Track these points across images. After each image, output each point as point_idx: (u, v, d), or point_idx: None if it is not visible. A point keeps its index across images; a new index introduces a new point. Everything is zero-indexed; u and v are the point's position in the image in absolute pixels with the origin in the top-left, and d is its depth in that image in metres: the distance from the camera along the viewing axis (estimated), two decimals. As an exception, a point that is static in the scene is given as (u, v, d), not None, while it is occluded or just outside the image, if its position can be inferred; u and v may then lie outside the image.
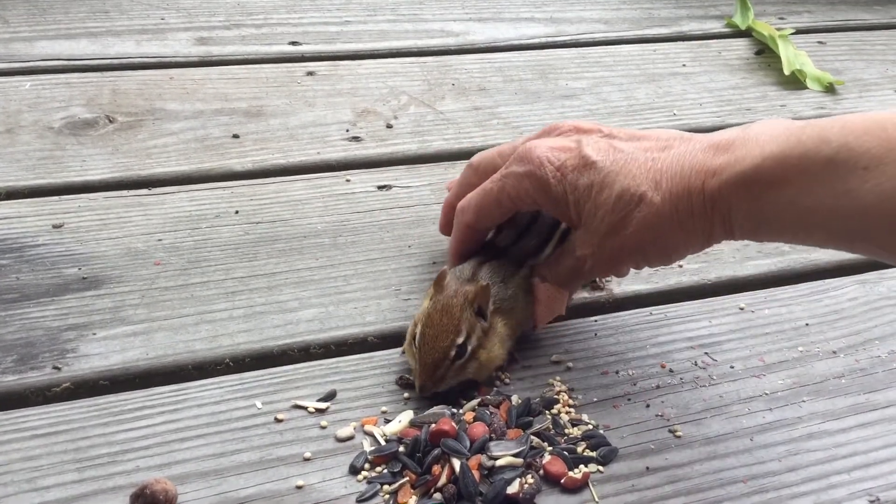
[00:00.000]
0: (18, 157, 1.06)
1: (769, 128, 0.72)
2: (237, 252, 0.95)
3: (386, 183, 1.08)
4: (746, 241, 1.02)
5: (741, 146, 0.72)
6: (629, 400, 0.81)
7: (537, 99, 1.28)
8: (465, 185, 0.89)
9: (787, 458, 0.77)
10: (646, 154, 0.77)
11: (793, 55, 1.40)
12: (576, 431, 0.77)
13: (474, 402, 0.79)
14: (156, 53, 1.29)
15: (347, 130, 1.17)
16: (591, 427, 0.78)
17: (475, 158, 0.90)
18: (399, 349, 0.84)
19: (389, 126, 1.19)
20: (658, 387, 0.83)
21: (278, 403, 0.78)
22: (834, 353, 0.88)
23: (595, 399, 0.81)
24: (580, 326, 0.90)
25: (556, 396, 0.81)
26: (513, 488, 0.71)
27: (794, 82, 1.37)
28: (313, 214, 1.02)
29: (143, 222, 0.98)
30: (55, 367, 0.80)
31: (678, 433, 0.78)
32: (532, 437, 0.76)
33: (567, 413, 0.79)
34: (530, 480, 0.72)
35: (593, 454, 0.75)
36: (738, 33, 1.51)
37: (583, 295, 0.93)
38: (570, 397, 0.81)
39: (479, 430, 0.75)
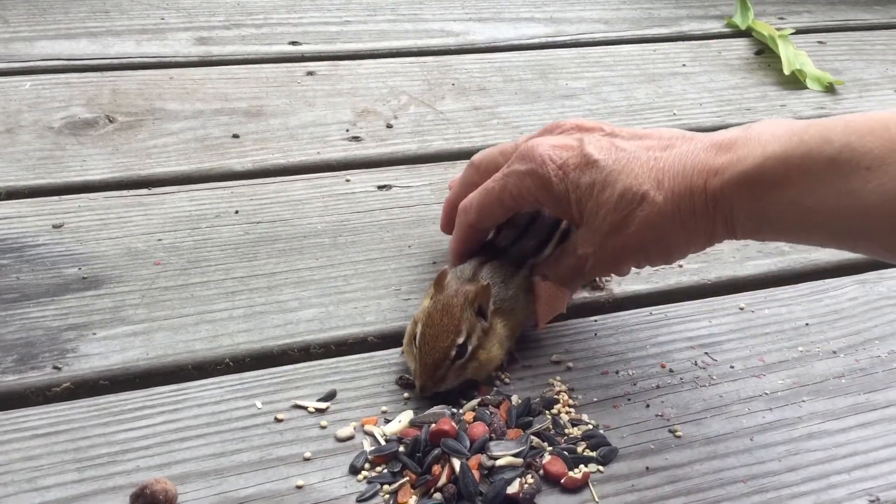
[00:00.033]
0: (18, 157, 1.06)
1: (771, 127, 0.72)
2: (237, 252, 0.95)
3: (386, 183, 1.08)
4: (746, 241, 1.02)
5: (743, 146, 0.72)
6: (629, 400, 0.82)
7: (537, 99, 1.28)
8: (467, 183, 0.89)
9: (787, 458, 0.77)
10: (648, 153, 0.77)
11: (793, 55, 1.40)
12: (576, 431, 0.77)
13: (474, 402, 0.79)
14: (156, 53, 1.29)
15: (347, 130, 1.17)
16: (591, 427, 0.78)
17: (477, 157, 0.90)
18: (399, 349, 0.84)
19: (389, 126, 1.19)
20: (658, 387, 0.83)
21: (278, 403, 0.78)
22: (834, 352, 0.88)
23: (595, 399, 0.81)
24: (580, 326, 0.90)
25: (556, 396, 0.81)
26: (513, 488, 0.71)
27: (794, 82, 1.37)
28: (313, 214, 1.02)
29: (143, 222, 0.98)
30: (55, 367, 0.80)
31: (678, 433, 0.78)
32: (532, 437, 0.76)
33: (567, 413, 0.79)
34: (530, 480, 0.72)
35: (593, 454, 0.75)
36: (738, 33, 1.51)
37: (583, 295, 0.93)
38: (570, 397, 0.81)
39: (479, 429, 0.75)
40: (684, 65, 1.40)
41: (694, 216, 0.74)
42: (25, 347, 0.82)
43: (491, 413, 0.77)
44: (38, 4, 1.37)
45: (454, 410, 0.77)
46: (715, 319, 0.91)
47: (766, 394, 0.83)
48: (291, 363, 0.83)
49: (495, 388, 0.82)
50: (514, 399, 0.80)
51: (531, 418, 0.78)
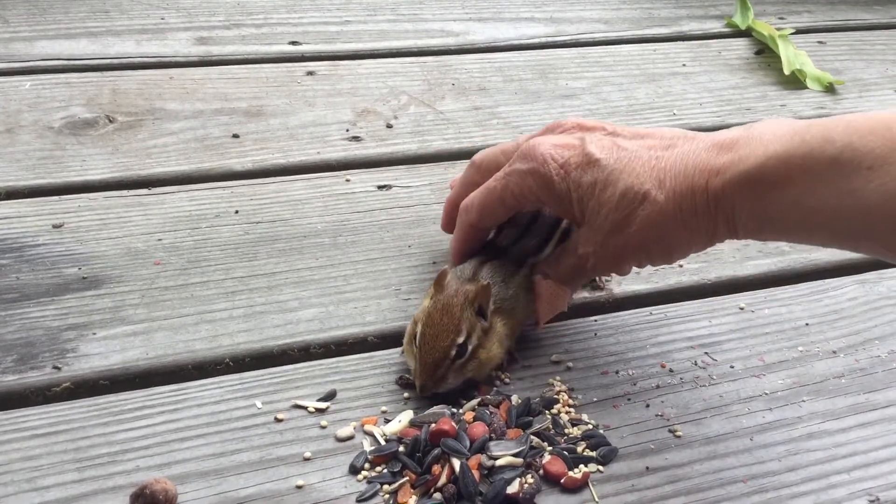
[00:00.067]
0: (18, 156, 1.06)
1: (773, 127, 0.72)
2: (237, 252, 0.95)
3: (386, 183, 1.08)
4: (747, 241, 1.02)
5: (745, 145, 0.72)
6: (629, 400, 0.81)
7: (537, 99, 1.28)
8: (468, 183, 0.89)
9: (786, 458, 0.77)
10: (649, 152, 0.77)
11: (793, 55, 1.40)
12: (576, 431, 0.77)
13: (474, 402, 0.79)
14: (156, 53, 1.29)
15: (347, 130, 1.17)
16: (590, 427, 0.78)
17: (478, 156, 0.90)
18: (399, 349, 0.84)
19: (389, 126, 1.19)
20: (658, 386, 0.83)
21: (278, 403, 0.78)
22: (834, 352, 0.88)
23: (595, 399, 0.81)
24: (580, 326, 0.90)
25: (555, 396, 0.81)
26: (513, 488, 0.71)
27: (794, 82, 1.37)
28: (313, 214, 1.02)
29: (143, 222, 0.98)
30: (55, 367, 0.80)
31: (678, 433, 0.78)
32: (532, 436, 0.76)
33: (567, 413, 0.79)
34: (530, 480, 0.72)
35: (593, 454, 0.75)
36: (738, 33, 1.51)
37: (583, 295, 0.93)
38: (570, 397, 0.81)
39: (479, 429, 0.74)
40: (684, 65, 1.40)
41: (695, 216, 0.74)
42: (25, 347, 0.82)
43: (491, 413, 0.77)
44: (38, 4, 1.37)
45: (454, 410, 0.77)
46: (715, 319, 0.91)
47: (766, 394, 0.83)
48: (291, 363, 0.83)
49: (495, 388, 0.82)
50: (514, 399, 0.80)
51: (531, 418, 0.78)
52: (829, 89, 1.36)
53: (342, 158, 1.12)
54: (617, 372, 0.84)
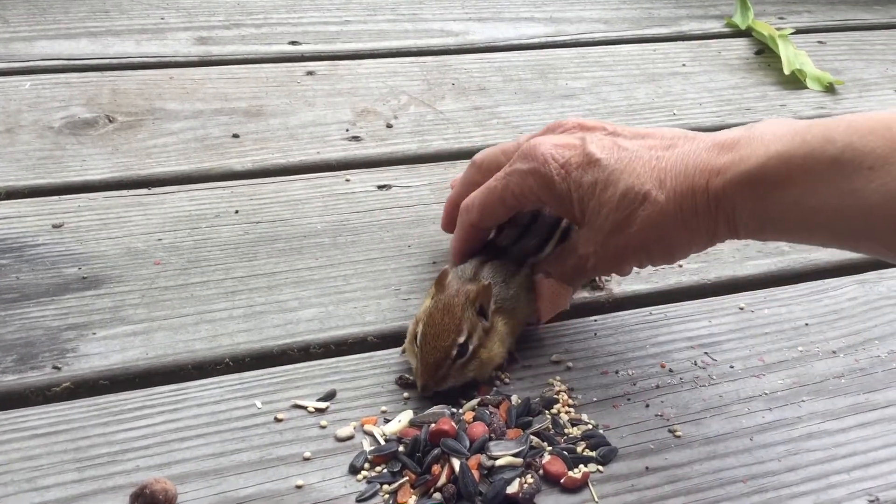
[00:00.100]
0: (18, 156, 1.06)
1: (774, 127, 0.72)
2: (237, 252, 0.95)
3: (386, 183, 1.08)
4: (746, 241, 1.02)
5: (746, 145, 0.72)
6: (629, 400, 0.82)
7: (537, 99, 1.28)
8: (469, 183, 0.89)
9: (786, 458, 0.77)
10: (650, 152, 0.77)
11: (793, 55, 1.40)
12: (575, 431, 0.77)
13: (474, 402, 0.79)
14: (156, 53, 1.29)
15: (347, 130, 1.17)
16: (590, 427, 0.78)
17: (479, 156, 0.90)
18: (399, 349, 0.84)
19: (389, 126, 1.19)
20: (658, 386, 0.83)
21: (278, 403, 0.79)
22: (833, 352, 0.88)
23: (595, 399, 0.81)
24: (580, 326, 0.90)
25: (555, 396, 0.81)
26: (512, 488, 0.71)
27: (794, 82, 1.37)
28: (313, 214, 1.02)
29: (142, 222, 0.98)
30: (55, 367, 0.80)
31: (678, 433, 0.78)
32: (532, 436, 0.76)
33: (567, 413, 0.79)
34: (530, 480, 0.72)
35: (593, 454, 0.75)
36: (737, 33, 1.51)
37: (583, 295, 0.93)
38: (569, 397, 0.81)
39: (479, 429, 0.75)
40: (684, 65, 1.40)
41: (696, 216, 0.74)
42: (25, 347, 0.82)
43: (491, 413, 0.77)
44: (38, 4, 1.37)
45: (454, 410, 0.78)
46: (715, 319, 0.91)
47: (766, 394, 0.83)
48: (291, 363, 0.83)
49: (495, 388, 0.82)
50: (514, 399, 0.80)
51: (531, 418, 0.78)
52: (829, 89, 1.36)
53: (342, 158, 1.12)
54: (617, 372, 0.84)
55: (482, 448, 0.73)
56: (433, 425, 0.74)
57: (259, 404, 0.78)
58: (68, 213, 0.98)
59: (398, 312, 0.89)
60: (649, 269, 0.95)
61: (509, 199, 0.82)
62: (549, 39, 1.44)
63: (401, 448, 0.74)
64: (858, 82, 1.39)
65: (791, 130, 0.70)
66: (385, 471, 0.73)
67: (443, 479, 0.71)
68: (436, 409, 0.77)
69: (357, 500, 0.71)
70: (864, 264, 0.99)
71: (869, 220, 0.65)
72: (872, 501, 0.73)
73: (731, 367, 0.86)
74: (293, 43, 1.36)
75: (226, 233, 0.98)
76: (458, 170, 1.10)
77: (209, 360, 0.83)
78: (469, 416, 0.77)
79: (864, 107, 1.33)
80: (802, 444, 0.78)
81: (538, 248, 0.87)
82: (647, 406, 0.81)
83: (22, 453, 0.72)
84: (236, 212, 1.01)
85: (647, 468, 0.75)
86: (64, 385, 0.79)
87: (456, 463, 0.72)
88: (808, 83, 1.36)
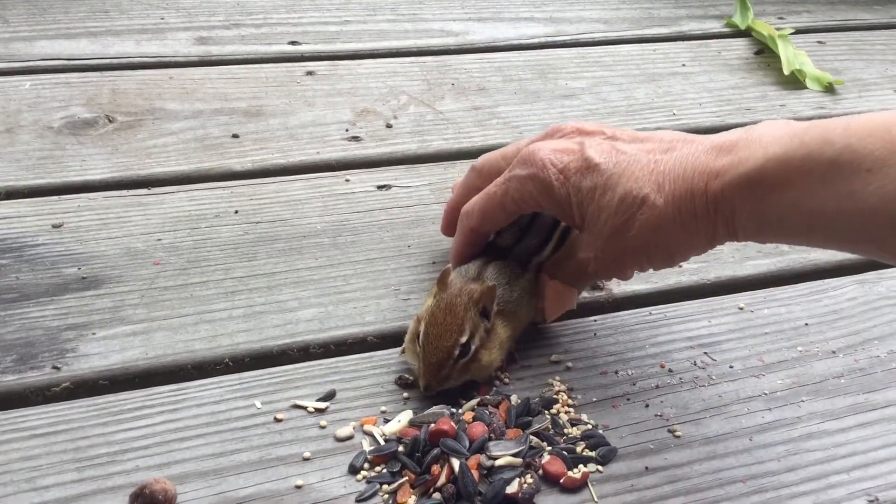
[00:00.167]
0: (18, 156, 1.06)
1: (772, 129, 0.72)
2: (237, 252, 0.95)
3: (385, 183, 1.08)
4: (747, 242, 1.02)
5: (744, 148, 0.72)
6: (628, 400, 0.82)
7: (537, 99, 1.28)
8: (469, 187, 0.89)
9: (786, 458, 0.77)
10: (648, 156, 0.77)
11: (792, 55, 1.40)
12: (575, 431, 0.77)
13: (473, 402, 0.79)
14: (155, 53, 1.29)
15: (347, 130, 1.17)
16: (590, 427, 0.78)
17: (479, 161, 0.91)
18: (398, 349, 0.84)
19: (389, 126, 1.19)
20: (657, 387, 0.83)
21: (278, 403, 0.79)
22: (833, 352, 0.88)
23: (594, 399, 0.81)
24: (580, 326, 0.90)
25: (555, 396, 0.81)
26: (512, 488, 0.71)
27: (794, 82, 1.37)
28: (313, 214, 1.02)
29: (142, 222, 0.98)
30: (55, 367, 0.80)
31: (677, 433, 0.78)
32: (531, 436, 0.76)
33: (566, 413, 0.79)
34: (529, 480, 0.72)
35: (592, 454, 0.75)
36: (737, 33, 1.51)
37: (583, 295, 0.93)
38: (569, 397, 0.81)
39: (479, 429, 0.75)
40: (684, 65, 1.40)
41: (695, 219, 0.74)
42: (25, 347, 0.82)
43: (490, 413, 0.77)
44: (38, 4, 1.37)
45: (453, 410, 0.78)
46: (714, 319, 0.91)
47: (766, 394, 0.83)
48: (291, 363, 0.83)
49: (494, 388, 0.82)
50: (514, 399, 0.80)
51: (530, 418, 0.78)
52: (829, 89, 1.36)
53: (342, 158, 1.12)
54: (616, 372, 0.84)
55: (482, 448, 0.73)
56: (433, 425, 0.74)
57: (259, 404, 0.78)
58: (68, 213, 0.98)
59: (398, 312, 0.89)
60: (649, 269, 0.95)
61: (509, 205, 0.83)
62: (549, 39, 1.44)
63: (400, 448, 0.74)
64: (858, 82, 1.39)
65: (789, 132, 0.70)
66: (385, 471, 0.73)
67: (442, 479, 0.71)
68: (435, 409, 0.77)
69: (357, 500, 0.71)
70: (864, 264, 0.99)
71: (867, 222, 0.65)
72: (872, 501, 0.73)
73: (731, 367, 0.86)
74: (293, 43, 1.36)
75: (225, 233, 0.98)
76: (458, 170, 1.10)
77: (209, 360, 0.83)
78: (468, 416, 0.77)
79: (864, 107, 1.33)
80: (802, 444, 0.78)
81: (539, 248, 0.87)
82: (647, 406, 0.81)
83: (21, 453, 0.72)
84: (236, 212, 1.01)
85: (646, 468, 0.75)
86: (63, 385, 0.79)
87: (455, 463, 0.72)
88: (808, 83, 1.36)
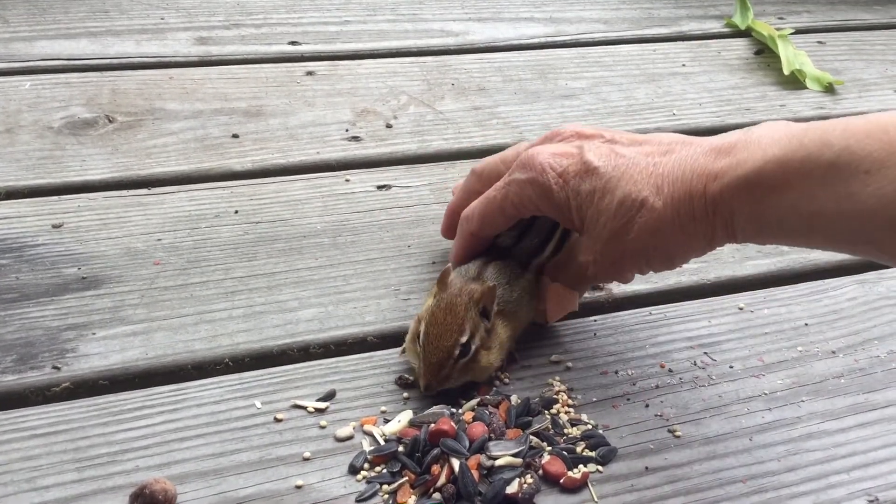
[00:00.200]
0: (18, 156, 1.06)
1: (771, 131, 0.72)
2: (237, 252, 0.95)
3: (385, 183, 1.08)
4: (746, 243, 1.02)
5: (743, 149, 0.72)
6: (628, 400, 0.82)
7: (537, 99, 1.28)
8: (469, 191, 0.90)
9: (786, 458, 0.77)
10: (647, 159, 0.77)
11: (792, 55, 1.40)
12: (575, 431, 0.78)
13: (473, 402, 0.79)
14: (155, 53, 1.29)
15: (347, 130, 1.17)
16: (590, 427, 0.78)
17: (479, 165, 0.91)
18: (398, 349, 0.84)
19: (389, 126, 1.19)
20: (657, 387, 0.83)
21: (278, 403, 0.79)
22: (833, 353, 0.88)
23: (594, 399, 0.81)
24: (580, 326, 0.90)
25: (555, 396, 0.81)
26: (512, 488, 0.71)
27: (794, 82, 1.37)
28: (313, 214, 1.02)
29: (142, 222, 0.98)
30: (55, 367, 0.80)
31: (677, 433, 0.78)
32: (531, 436, 0.76)
33: (566, 413, 0.79)
34: (529, 480, 0.72)
35: (592, 454, 0.75)
36: (737, 33, 1.51)
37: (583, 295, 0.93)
38: (569, 397, 0.81)
39: (479, 429, 0.75)
40: (684, 65, 1.40)
41: (693, 221, 0.74)
42: (25, 347, 0.82)
43: (490, 413, 0.77)
44: (38, 4, 1.37)
45: (453, 410, 0.78)
46: (714, 319, 0.91)
47: (766, 394, 0.83)
48: (291, 363, 0.83)
49: (494, 388, 0.82)
50: (514, 399, 0.80)
51: (530, 418, 0.78)
52: (829, 89, 1.36)
53: (342, 158, 1.12)
54: (616, 372, 0.84)
55: (482, 448, 0.73)
56: (433, 425, 0.74)
57: (259, 404, 0.78)
58: (68, 213, 0.98)
59: (398, 312, 0.89)
60: (649, 272, 0.95)
61: (508, 209, 0.83)
62: (549, 39, 1.44)
63: (400, 448, 0.74)
64: (858, 82, 1.39)
65: (788, 134, 0.70)
66: (385, 471, 0.73)
67: (442, 479, 0.71)
68: (435, 409, 0.77)
69: (357, 500, 0.71)
70: (864, 265, 0.99)
71: (865, 223, 0.65)
72: (872, 501, 0.73)
73: (731, 367, 0.86)
74: (293, 43, 1.36)
75: (225, 233, 0.98)
76: (458, 170, 1.10)
77: (209, 360, 0.83)
78: (468, 416, 0.77)
79: (864, 107, 1.33)
80: (802, 444, 0.78)
81: (539, 248, 0.87)
82: (647, 406, 0.81)
83: (21, 453, 0.72)
84: (236, 212, 1.01)
85: (646, 468, 0.75)
86: (63, 385, 0.79)
87: (455, 463, 0.72)
88: (808, 83, 1.36)
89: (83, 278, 0.90)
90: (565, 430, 0.77)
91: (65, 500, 0.69)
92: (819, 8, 1.62)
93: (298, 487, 0.72)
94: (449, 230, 0.92)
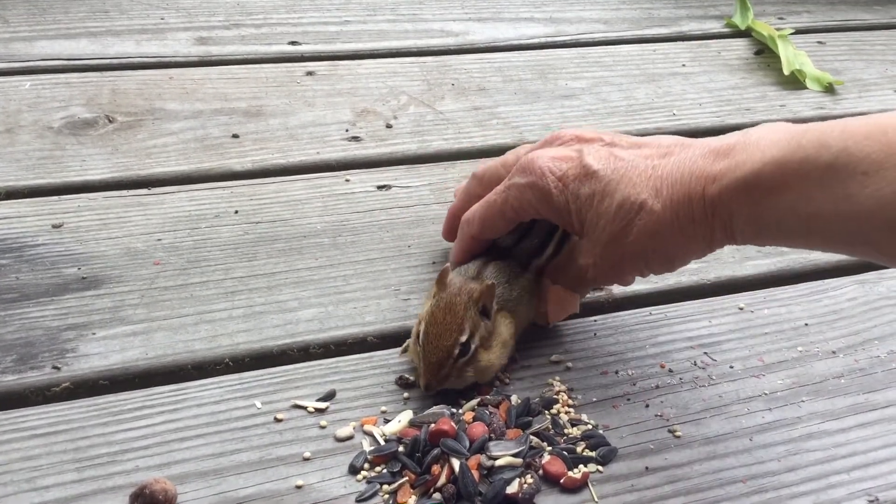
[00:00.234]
0: (18, 156, 1.06)
1: (770, 132, 0.72)
2: (237, 252, 0.95)
3: (385, 183, 1.08)
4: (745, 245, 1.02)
5: (742, 151, 0.72)
6: (628, 400, 0.82)
7: (537, 99, 1.28)
8: (470, 195, 0.90)
9: (786, 458, 0.77)
10: (646, 161, 0.77)
11: (792, 55, 1.40)
12: (575, 431, 0.78)
13: (474, 402, 0.79)
14: (155, 53, 1.29)
15: (347, 130, 1.17)
16: (590, 427, 0.78)
17: (479, 169, 0.91)
18: (398, 349, 0.84)
19: (389, 126, 1.19)
20: (657, 387, 0.83)
21: (278, 403, 0.79)
22: (833, 353, 0.88)
23: (594, 399, 0.81)
24: (580, 326, 0.90)
25: (555, 396, 0.81)
26: (512, 488, 0.71)
27: (794, 82, 1.37)
28: (313, 214, 1.02)
29: (142, 222, 0.98)
30: (55, 367, 0.80)
31: (677, 433, 0.78)
32: (531, 436, 0.76)
33: (566, 413, 0.79)
34: (529, 480, 0.72)
35: (592, 454, 0.75)
36: (737, 33, 1.51)
37: (582, 295, 0.93)
38: (569, 397, 0.81)
39: (479, 429, 0.75)
40: (684, 65, 1.40)
41: (693, 223, 0.74)
42: (25, 347, 0.82)
43: (490, 413, 0.77)
44: (38, 4, 1.37)
45: (453, 410, 0.78)
46: (714, 319, 0.91)
47: (766, 394, 0.83)
48: (291, 363, 0.83)
49: (495, 388, 0.82)
50: (514, 399, 0.80)
51: (530, 418, 0.78)
52: (829, 89, 1.36)
53: (342, 158, 1.12)
54: (616, 372, 0.84)
55: (482, 448, 0.73)
56: (433, 425, 0.74)
57: (259, 404, 0.78)
58: (68, 213, 0.98)
59: (398, 313, 0.89)
60: (649, 274, 0.95)
61: (509, 213, 0.83)
62: (549, 39, 1.44)
63: (400, 448, 0.74)
64: (858, 82, 1.39)
65: (787, 135, 0.70)
66: (385, 471, 0.73)
67: (442, 480, 0.71)
68: (435, 409, 0.77)
69: (357, 501, 0.71)
70: (864, 265, 0.99)
71: (864, 225, 0.65)
72: (872, 501, 0.73)
73: (731, 367, 0.86)
74: (293, 43, 1.36)
75: (226, 233, 0.98)
76: (458, 170, 1.10)
77: (209, 360, 0.83)
78: (469, 416, 0.77)
79: (864, 107, 1.33)
80: (802, 445, 0.78)
81: (539, 249, 0.87)
82: (647, 406, 0.81)
83: (21, 453, 0.72)
84: (236, 212, 1.01)
85: (646, 468, 0.75)
86: (63, 385, 0.79)
87: (456, 463, 0.72)
88: (808, 83, 1.36)
89: (83, 278, 0.90)
90: (565, 430, 0.77)
91: (65, 500, 0.69)
92: (819, 8, 1.62)
93: (298, 487, 0.72)
94: (450, 233, 0.93)
